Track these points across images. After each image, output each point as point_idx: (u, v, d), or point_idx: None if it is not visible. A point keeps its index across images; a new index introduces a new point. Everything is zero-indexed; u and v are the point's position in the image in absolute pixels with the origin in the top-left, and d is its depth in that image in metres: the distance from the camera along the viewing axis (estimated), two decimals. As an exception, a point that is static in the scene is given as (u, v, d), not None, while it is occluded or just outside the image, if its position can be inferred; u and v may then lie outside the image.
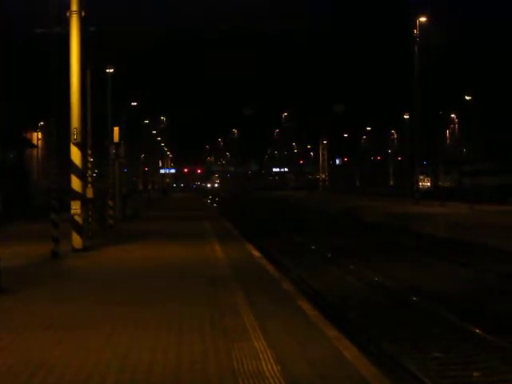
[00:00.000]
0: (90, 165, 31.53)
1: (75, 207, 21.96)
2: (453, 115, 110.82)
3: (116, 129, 38.46)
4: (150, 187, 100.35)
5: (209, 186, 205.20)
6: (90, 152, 31.55)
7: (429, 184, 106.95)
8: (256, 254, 22.48)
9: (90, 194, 29.79)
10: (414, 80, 60.65)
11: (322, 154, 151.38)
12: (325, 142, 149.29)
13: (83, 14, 22.48)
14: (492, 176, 74.64)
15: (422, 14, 59.48)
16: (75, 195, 22.04)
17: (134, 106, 73.76)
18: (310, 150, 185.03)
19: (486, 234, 30.77)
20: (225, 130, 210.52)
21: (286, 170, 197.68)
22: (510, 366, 11.42)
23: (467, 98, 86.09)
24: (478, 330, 13.48)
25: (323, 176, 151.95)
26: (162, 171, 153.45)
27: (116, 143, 38.55)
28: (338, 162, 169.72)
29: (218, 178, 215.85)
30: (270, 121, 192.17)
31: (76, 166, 21.97)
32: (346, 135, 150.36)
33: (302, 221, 50.19)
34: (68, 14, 22.43)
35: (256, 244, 27.42)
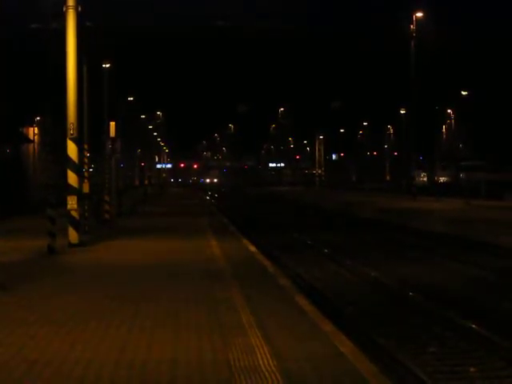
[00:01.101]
0: (86, 160, 31.50)
1: (71, 202, 21.94)
2: (449, 110, 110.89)
3: (112, 124, 38.38)
4: (146, 182, 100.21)
5: (208, 181, 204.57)
6: (86, 147, 31.50)
7: (425, 179, 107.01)
8: (252, 249, 22.50)
9: (86, 189, 29.79)
10: (411, 76, 60.64)
11: (319, 149, 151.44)
12: (321, 137, 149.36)
13: (79, 9, 22.45)
14: (489, 172, 74.69)
15: (419, 9, 59.48)
16: (71, 190, 22.00)
17: (130, 101, 73.74)
18: (306, 145, 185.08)
19: (483, 230, 30.77)
20: (221, 125, 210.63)
21: (282, 165, 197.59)
22: (505, 363, 11.42)
23: (464, 93, 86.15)
24: (476, 327, 13.47)
25: (319, 171, 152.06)
26: (159, 166, 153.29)
27: (112, 138, 38.49)
28: (334, 157, 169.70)
29: (216, 173, 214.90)
30: (266, 116, 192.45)
31: (72, 161, 21.93)
32: (342, 130, 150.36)
33: (299, 217, 50.17)
34: (64, 9, 22.39)
35: (252, 240, 27.39)
